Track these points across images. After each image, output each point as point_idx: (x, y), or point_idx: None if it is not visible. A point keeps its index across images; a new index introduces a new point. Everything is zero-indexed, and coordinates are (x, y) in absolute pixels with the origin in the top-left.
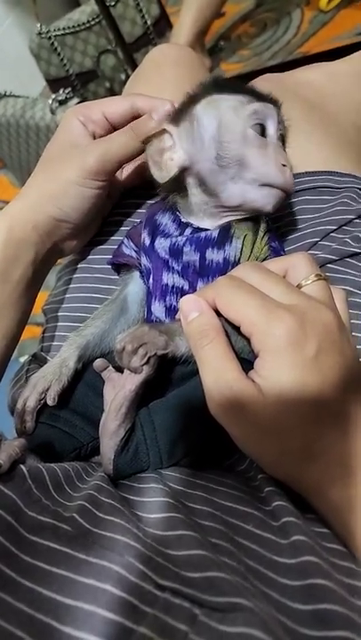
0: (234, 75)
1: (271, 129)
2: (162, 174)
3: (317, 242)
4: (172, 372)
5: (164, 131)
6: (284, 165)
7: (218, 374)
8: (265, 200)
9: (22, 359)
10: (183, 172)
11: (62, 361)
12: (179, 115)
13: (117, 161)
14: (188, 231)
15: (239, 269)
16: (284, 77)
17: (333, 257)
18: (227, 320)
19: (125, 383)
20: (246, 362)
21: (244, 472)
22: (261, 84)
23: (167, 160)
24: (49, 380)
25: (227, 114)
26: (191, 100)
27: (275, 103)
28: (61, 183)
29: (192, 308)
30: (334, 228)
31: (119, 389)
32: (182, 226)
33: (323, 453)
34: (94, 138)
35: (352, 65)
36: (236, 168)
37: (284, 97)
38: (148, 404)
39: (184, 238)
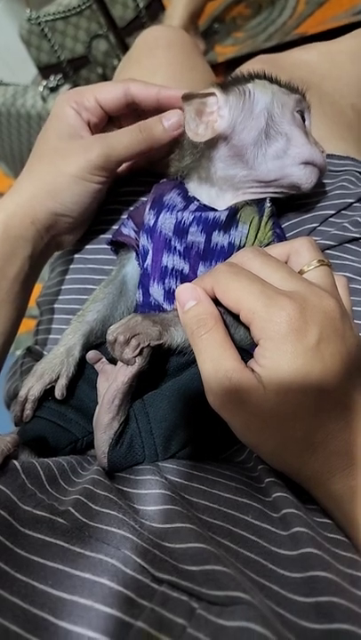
0: (229, 58)
1: (307, 120)
2: (199, 134)
3: (316, 227)
4: (167, 363)
5: (210, 94)
6: (322, 152)
7: (216, 364)
8: (305, 177)
9: (18, 352)
10: (216, 141)
11: (68, 350)
12: (226, 86)
13: (122, 159)
14: (193, 206)
15: (239, 254)
16: (279, 58)
17: (332, 242)
18: (226, 310)
19: (118, 375)
20: (246, 353)
21: (243, 463)
22: (256, 65)
23: (211, 122)
24: (57, 371)
25: (279, 93)
26: (241, 79)
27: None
28: (63, 178)
29: (189, 296)
30: (333, 212)
31: (112, 381)
32: (188, 200)
33: (324, 443)
34: (89, 126)
35: (349, 44)
36: (283, 142)
37: (280, 77)
38: (143, 396)
39: (191, 217)
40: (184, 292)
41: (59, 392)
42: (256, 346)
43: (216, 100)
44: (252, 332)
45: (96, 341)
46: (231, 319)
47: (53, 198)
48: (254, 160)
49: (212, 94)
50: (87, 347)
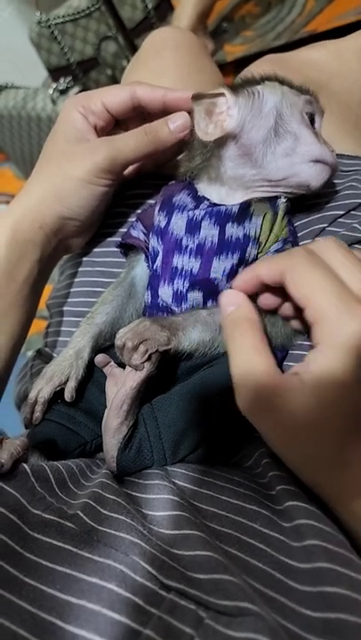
0: (238, 57)
1: (318, 123)
2: (209, 132)
3: (325, 228)
4: (176, 367)
5: (220, 94)
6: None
7: (246, 368)
8: (314, 175)
9: (29, 353)
10: (225, 140)
11: (77, 352)
12: (236, 87)
13: (128, 162)
14: (203, 205)
15: (321, 242)
16: (287, 58)
17: None
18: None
19: (127, 380)
20: None
21: (251, 468)
22: (264, 65)
23: (220, 121)
24: (66, 373)
25: (289, 93)
26: (250, 80)
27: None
28: (70, 181)
29: (231, 301)
30: (342, 213)
31: (120, 386)
32: (199, 199)
33: (354, 463)
34: (96, 130)
35: (357, 42)
36: (292, 140)
37: (288, 77)
38: (152, 400)
39: (202, 212)
40: (227, 296)
41: (68, 394)
42: (313, 346)
43: (225, 100)
44: (314, 334)
45: (105, 344)
46: (272, 321)
47: (61, 202)
48: (263, 159)
49: (222, 95)
50: (96, 349)
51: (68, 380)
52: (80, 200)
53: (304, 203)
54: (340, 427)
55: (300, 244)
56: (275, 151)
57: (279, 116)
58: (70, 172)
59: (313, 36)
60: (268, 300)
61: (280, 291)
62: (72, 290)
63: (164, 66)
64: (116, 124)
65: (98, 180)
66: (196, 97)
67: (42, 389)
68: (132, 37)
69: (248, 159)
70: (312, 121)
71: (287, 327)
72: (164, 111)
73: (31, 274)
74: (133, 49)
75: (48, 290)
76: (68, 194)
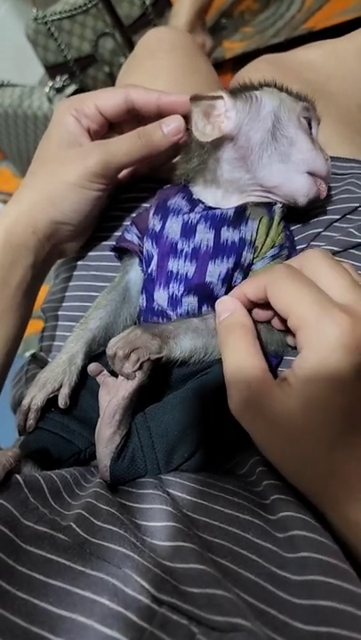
0: (237, 54)
1: (314, 129)
2: (206, 133)
3: (321, 232)
4: (169, 375)
5: (218, 97)
6: (326, 160)
7: (237, 371)
8: (305, 187)
9: (27, 354)
10: (223, 142)
11: (70, 358)
12: (234, 92)
13: (122, 166)
14: (198, 209)
15: (308, 252)
16: (284, 58)
17: (337, 248)
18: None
19: (119, 389)
20: None
21: (245, 476)
22: (261, 65)
23: (218, 122)
24: (59, 380)
25: (287, 99)
26: (249, 86)
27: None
28: (62, 186)
29: (226, 307)
30: (338, 217)
31: (113, 396)
32: (194, 203)
33: (346, 467)
34: (89, 133)
35: (355, 41)
36: (288, 146)
37: (285, 79)
38: (145, 409)
39: (198, 215)
40: (222, 303)
41: (62, 401)
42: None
43: (224, 102)
44: (298, 340)
45: (98, 349)
46: (268, 328)
47: (54, 206)
48: (259, 162)
49: (220, 97)
50: (90, 354)
51: (61, 387)
52: (73, 205)
53: (300, 210)
54: (329, 429)
55: (297, 248)
56: (271, 155)
57: (277, 120)
58: (63, 176)
59: (312, 33)
60: (258, 314)
61: (269, 305)
62: (67, 294)
63: (159, 67)
64: (111, 127)
65: (91, 184)
66: (195, 98)
67: (35, 397)
68: (129, 34)
69: (244, 162)
70: (309, 127)
71: (282, 334)
72: (159, 114)
73: (25, 279)
74: (131, 46)
75: (44, 291)
76: (61, 198)
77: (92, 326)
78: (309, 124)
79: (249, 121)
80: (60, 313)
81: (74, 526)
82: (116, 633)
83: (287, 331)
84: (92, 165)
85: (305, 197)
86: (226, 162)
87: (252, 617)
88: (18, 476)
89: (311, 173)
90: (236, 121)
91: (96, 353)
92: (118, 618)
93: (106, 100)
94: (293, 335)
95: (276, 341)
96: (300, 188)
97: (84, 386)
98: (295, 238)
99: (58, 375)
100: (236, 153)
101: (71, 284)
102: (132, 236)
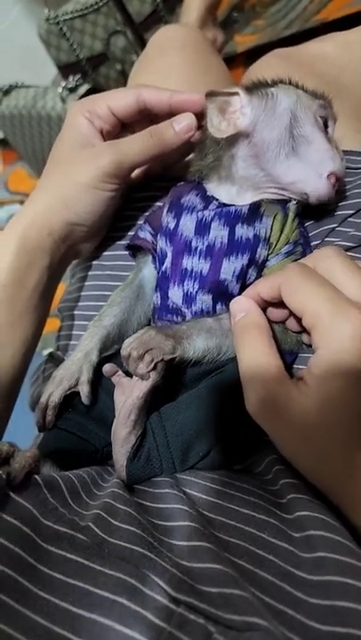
0: (249, 47)
1: (330, 128)
2: (222, 129)
3: (335, 228)
4: (183, 375)
5: (234, 93)
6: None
7: (254, 372)
8: (319, 187)
9: (45, 352)
10: (238, 139)
11: (85, 355)
12: (250, 88)
13: (134, 165)
14: (212, 206)
15: (321, 251)
16: (296, 52)
17: (352, 244)
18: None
19: (133, 390)
20: None
21: (262, 474)
22: (273, 59)
23: (233, 119)
24: (75, 377)
25: (303, 97)
26: (265, 83)
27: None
28: (75, 187)
29: (240, 307)
30: (352, 212)
31: (127, 396)
32: (208, 199)
33: None
34: (102, 134)
35: None
36: (303, 144)
37: (298, 73)
38: (160, 409)
39: (212, 213)
40: (237, 303)
41: (85, 399)
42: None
43: (239, 99)
44: (313, 339)
45: (112, 346)
46: (277, 327)
47: (68, 208)
48: (275, 160)
49: (236, 94)
50: (104, 351)
51: (77, 384)
52: (87, 206)
53: (313, 207)
54: (347, 428)
55: (311, 244)
56: (287, 153)
57: (294, 117)
58: (76, 177)
59: (325, 24)
60: (272, 314)
61: (284, 304)
62: (82, 294)
63: (170, 66)
64: (123, 127)
65: (104, 184)
66: (211, 94)
67: (52, 393)
68: (140, 31)
69: (259, 160)
70: (325, 125)
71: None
72: (171, 113)
73: (41, 281)
74: (142, 43)
75: (61, 289)
76: (75, 200)
77: (106, 323)
78: (326, 123)
79: (265, 118)
80: (75, 312)
81: (92, 526)
82: (135, 633)
83: (303, 330)
84: (105, 166)
85: (320, 197)
86: (241, 158)
87: (268, 616)
88: (37, 477)
89: (330, 174)
90: (251, 117)
91: (111, 352)
92: (137, 618)
93: (118, 101)
94: (309, 334)
95: (293, 340)
96: (315, 187)
97: (101, 386)
98: (310, 234)
99: (74, 372)
100: (251, 150)
101: (86, 283)
102: (145, 234)
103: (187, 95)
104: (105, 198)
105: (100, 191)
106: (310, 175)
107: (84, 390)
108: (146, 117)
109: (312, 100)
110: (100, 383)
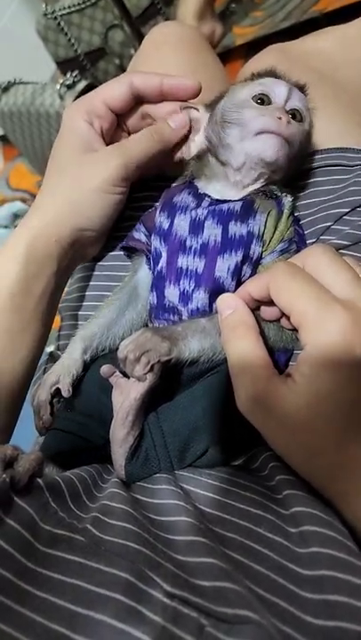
0: (248, 40)
1: (275, 99)
2: (190, 153)
3: (330, 226)
4: (180, 375)
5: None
6: (279, 118)
7: (243, 369)
8: (261, 146)
9: (48, 349)
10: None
11: (67, 354)
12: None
13: (139, 167)
14: (205, 203)
15: (309, 248)
16: (292, 47)
17: (346, 242)
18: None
19: (130, 391)
20: None
21: (258, 470)
22: (268, 55)
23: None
24: (57, 373)
25: (235, 88)
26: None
27: (299, 86)
28: (86, 193)
29: (227, 305)
30: (347, 210)
31: (125, 397)
32: (199, 197)
33: (354, 461)
34: (102, 133)
35: None
36: (237, 128)
37: (293, 69)
38: (157, 408)
39: (205, 211)
40: (224, 300)
41: (64, 391)
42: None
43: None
44: (300, 336)
45: (100, 345)
46: (272, 325)
47: (79, 215)
48: (230, 154)
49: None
50: (90, 350)
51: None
52: (98, 211)
53: (304, 202)
54: (337, 423)
55: (307, 242)
56: (229, 143)
57: (223, 112)
58: (86, 184)
59: (324, 14)
60: (265, 312)
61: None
62: (81, 294)
63: (166, 63)
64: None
65: (114, 188)
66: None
67: (40, 394)
68: (138, 25)
69: (219, 156)
70: (265, 100)
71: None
72: (163, 99)
73: (48, 287)
74: (140, 37)
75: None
76: (86, 206)
77: (93, 323)
78: (265, 96)
79: (210, 125)
80: (75, 313)
81: (90, 527)
82: (130, 628)
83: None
84: (114, 169)
85: (268, 153)
86: (211, 161)
87: (261, 609)
88: (40, 481)
89: (261, 132)
90: (205, 131)
91: (104, 353)
92: (132, 613)
93: (112, 93)
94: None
95: (287, 337)
96: (256, 149)
97: (100, 386)
98: (305, 232)
99: (56, 370)
100: (212, 155)
101: (85, 284)
102: (139, 235)
103: (177, 80)
104: (115, 201)
105: (111, 195)
106: (247, 144)
107: (64, 381)
108: (135, 106)
109: (243, 87)
110: (98, 383)
